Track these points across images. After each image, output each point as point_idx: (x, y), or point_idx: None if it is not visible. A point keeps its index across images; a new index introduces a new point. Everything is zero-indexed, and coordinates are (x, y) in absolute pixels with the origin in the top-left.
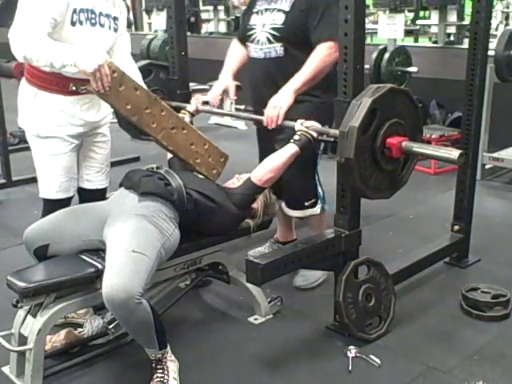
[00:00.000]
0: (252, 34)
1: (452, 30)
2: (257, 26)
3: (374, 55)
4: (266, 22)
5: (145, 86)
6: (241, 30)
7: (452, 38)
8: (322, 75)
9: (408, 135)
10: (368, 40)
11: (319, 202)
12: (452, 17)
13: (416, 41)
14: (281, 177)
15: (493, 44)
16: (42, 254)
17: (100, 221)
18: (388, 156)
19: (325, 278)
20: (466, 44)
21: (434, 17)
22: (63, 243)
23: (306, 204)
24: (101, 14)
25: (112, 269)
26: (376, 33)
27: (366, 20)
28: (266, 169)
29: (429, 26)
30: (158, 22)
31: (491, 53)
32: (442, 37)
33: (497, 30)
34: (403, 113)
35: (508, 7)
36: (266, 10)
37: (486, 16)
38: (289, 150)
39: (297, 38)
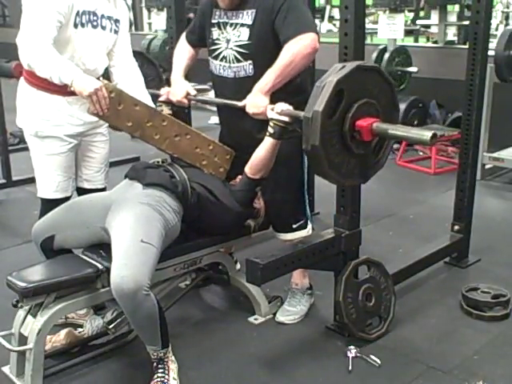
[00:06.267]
0: (216, 50)
1: (452, 30)
2: (221, 42)
3: (374, 55)
4: (230, 39)
5: (144, 88)
6: (193, 34)
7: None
8: (296, 70)
9: (381, 115)
10: (368, 40)
11: (309, 222)
12: (452, 17)
13: (416, 41)
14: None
15: (493, 44)
16: (48, 246)
17: (103, 208)
18: (359, 140)
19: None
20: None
21: (434, 17)
22: (67, 232)
23: (294, 226)
24: (103, 16)
25: (121, 259)
26: (376, 33)
27: (366, 20)
28: (254, 162)
29: (429, 25)
30: (157, 22)
31: (491, 53)
32: (442, 37)
33: (497, 30)
34: (374, 91)
35: (508, 7)
36: (227, 24)
37: (485, 16)
38: (267, 144)
39: (266, 53)
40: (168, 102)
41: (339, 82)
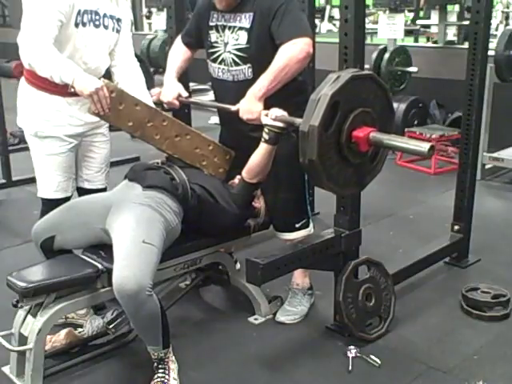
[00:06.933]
0: (214, 53)
1: (452, 30)
2: (219, 45)
3: (374, 55)
4: (228, 42)
5: (145, 88)
6: (189, 35)
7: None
8: (290, 74)
9: (377, 122)
10: (368, 40)
11: (311, 220)
12: (452, 17)
13: (416, 41)
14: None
15: (493, 44)
16: (48, 247)
17: (104, 209)
18: (356, 150)
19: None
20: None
21: (434, 17)
22: (68, 233)
23: (297, 225)
24: (105, 15)
25: (122, 260)
26: (376, 33)
27: (366, 20)
28: (251, 167)
29: (429, 25)
30: (157, 22)
31: (491, 53)
32: (442, 37)
33: (497, 30)
34: (370, 99)
35: (508, 7)
36: (225, 27)
37: (486, 16)
38: (263, 150)
39: (265, 57)
40: (158, 104)
41: (334, 95)
